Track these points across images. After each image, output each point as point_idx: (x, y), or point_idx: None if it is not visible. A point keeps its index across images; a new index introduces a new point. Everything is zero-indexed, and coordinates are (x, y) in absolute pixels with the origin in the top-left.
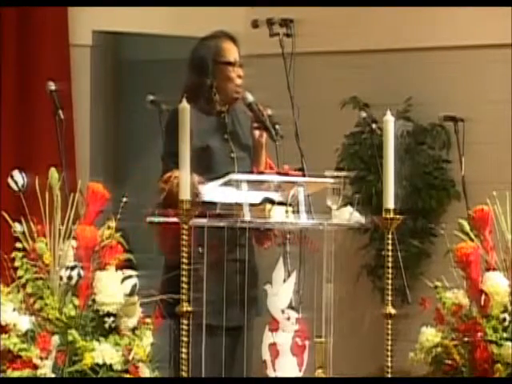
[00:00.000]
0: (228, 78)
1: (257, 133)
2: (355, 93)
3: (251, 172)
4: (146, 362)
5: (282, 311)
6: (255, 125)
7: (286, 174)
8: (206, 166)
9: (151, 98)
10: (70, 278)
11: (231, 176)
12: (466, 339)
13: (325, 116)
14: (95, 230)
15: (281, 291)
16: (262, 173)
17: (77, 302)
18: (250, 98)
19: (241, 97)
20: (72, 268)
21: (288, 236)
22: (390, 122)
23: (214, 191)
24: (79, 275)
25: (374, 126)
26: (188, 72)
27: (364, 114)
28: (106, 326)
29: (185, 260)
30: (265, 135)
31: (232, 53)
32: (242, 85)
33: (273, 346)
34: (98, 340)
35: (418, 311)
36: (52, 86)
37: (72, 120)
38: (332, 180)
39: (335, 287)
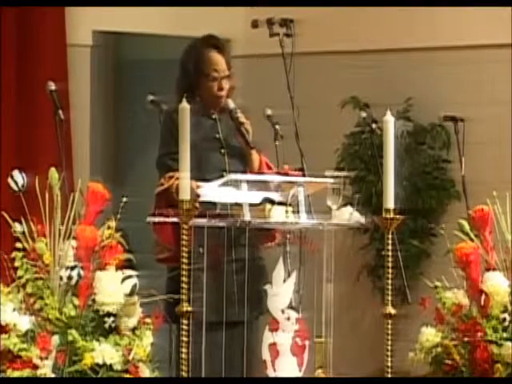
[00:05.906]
0: (209, 89)
1: (239, 139)
2: (355, 93)
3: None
4: (146, 362)
5: (282, 311)
6: (237, 132)
7: (286, 174)
8: (194, 163)
9: (151, 97)
10: (70, 277)
11: (231, 176)
12: (466, 339)
13: (325, 116)
14: (95, 230)
15: (281, 291)
16: (262, 173)
17: (77, 301)
18: (231, 105)
19: (223, 105)
20: (72, 268)
21: (288, 236)
22: (389, 122)
23: (213, 191)
24: (79, 275)
25: (374, 125)
26: (177, 74)
27: (364, 114)
28: (106, 326)
29: (185, 260)
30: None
31: (214, 64)
32: (224, 95)
33: (273, 345)
34: (98, 340)
35: (418, 311)
36: (52, 86)
37: (69, 120)
38: (332, 180)
39: (335, 287)
